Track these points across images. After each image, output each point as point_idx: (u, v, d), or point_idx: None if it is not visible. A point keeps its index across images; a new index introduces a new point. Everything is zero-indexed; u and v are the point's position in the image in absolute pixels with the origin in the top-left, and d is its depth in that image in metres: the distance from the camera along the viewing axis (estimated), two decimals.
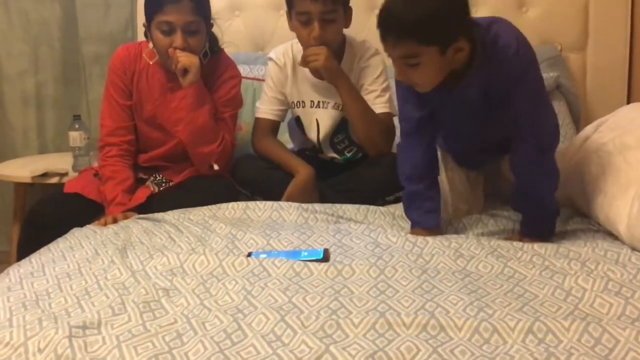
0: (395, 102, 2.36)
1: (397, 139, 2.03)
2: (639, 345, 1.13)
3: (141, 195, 2.13)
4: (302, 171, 2.20)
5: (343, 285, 1.41)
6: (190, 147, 2.18)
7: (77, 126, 2.75)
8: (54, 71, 3.21)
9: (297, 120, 2.40)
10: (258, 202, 2.01)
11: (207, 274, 1.48)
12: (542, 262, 1.52)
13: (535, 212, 1.78)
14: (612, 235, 1.72)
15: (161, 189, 2.22)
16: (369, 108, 2.23)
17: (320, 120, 2.34)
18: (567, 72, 2.85)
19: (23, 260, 1.64)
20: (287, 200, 2.11)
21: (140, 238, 1.76)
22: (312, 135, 2.37)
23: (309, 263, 1.51)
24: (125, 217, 1.99)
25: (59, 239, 1.79)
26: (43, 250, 1.71)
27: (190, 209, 1.98)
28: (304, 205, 1.99)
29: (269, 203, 2.01)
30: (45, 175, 2.68)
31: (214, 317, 1.27)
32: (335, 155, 2.40)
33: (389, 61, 2.41)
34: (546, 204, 1.79)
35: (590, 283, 1.36)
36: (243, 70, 2.49)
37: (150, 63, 2.22)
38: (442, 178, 2.00)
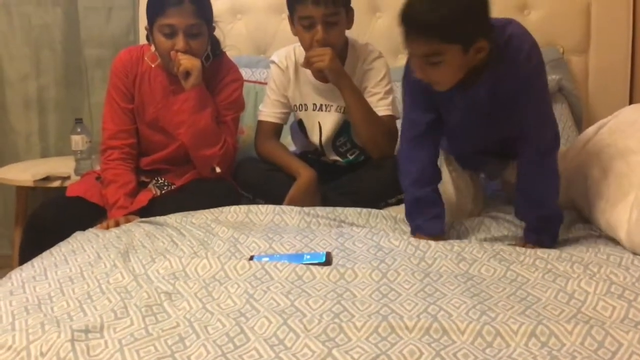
0: (399, 105, 2.38)
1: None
2: None
3: (143, 198, 2.13)
4: (304, 174, 2.20)
5: (345, 289, 1.41)
6: (192, 150, 2.18)
7: (79, 130, 2.75)
8: (56, 75, 3.21)
9: (300, 123, 2.40)
10: (260, 206, 2.01)
11: (210, 277, 1.48)
12: (545, 265, 1.52)
13: (539, 217, 1.78)
14: (614, 241, 1.71)
15: (163, 192, 2.22)
16: (372, 111, 2.24)
17: (322, 123, 2.34)
18: (569, 74, 2.85)
19: (25, 264, 1.64)
20: (289, 203, 2.11)
21: (143, 242, 1.75)
22: (315, 138, 2.37)
23: (311, 266, 1.51)
24: (128, 221, 1.99)
25: (61, 243, 1.79)
26: (45, 254, 1.71)
27: (192, 212, 1.98)
28: (306, 209, 1.99)
29: (271, 207, 2.01)
30: (47, 179, 2.68)
31: (216, 321, 1.27)
32: (337, 158, 2.40)
33: (391, 64, 2.44)
34: (549, 208, 1.79)
35: (593, 286, 1.36)
36: (245, 73, 2.49)
37: (153, 66, 2.22)
38: (446, 178, 2.00)
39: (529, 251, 1.61)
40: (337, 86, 2.23)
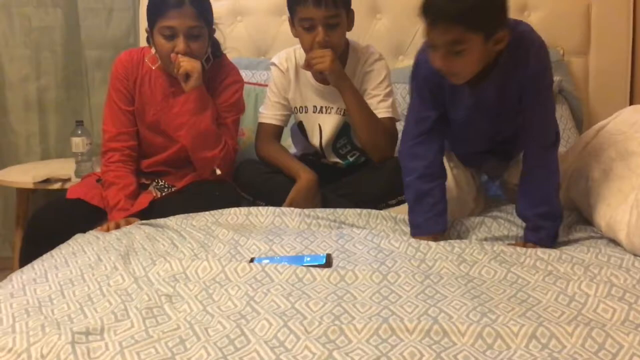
0: (399, 107, 2.39)
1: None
2: None
3: (144, 200, 2.13)
4: (304, 176, 2.20)
5: (346, 291, 1.41)
6: (192, 152, 2.18)
7: (79, 132, 2.76)
8: (56, 76, 3.21)
9: (300, 126, 2.41)
10: (260, 208, 2.01)
11: (210, 279, 1.48)
12: (546, 267, 1.52)
13: (540, 215, 1.78)
14: (615, 242, 1.71)
15: (163, 194, 2.22)
16: (373, 113, 2.24)
17: (323, 125, 2.34)
18: (570, 76, 2.85)
19: (26, 267, 1.64)
20: (290, 205, 2.11)
21: (143, 244, 1.75)
22: (315, 140, 2.37)
23: (311, 268, 1.51)
24: (128, 223, 1.99)
25: (62, 245, 1.79)
26: (46, 256, 1.71)
27: (192, 215, 1.98)
28: (306, 211, 1.99)
29: (271, 209, 2.01)
30: (47, 181, 2.68)
31: (217, 323, 1.27)
32: (338, 160, 2.40)
33: (392, 65, 2.44)
34: (550, 204, 1.79)
35: (594, 288, 1.36)
36: (245, 75, 2.49)
37: (153, 68, 2.22)
38: (448, 176, 2.01)
39: (530, 252, 1.61)
40: (338, 88, 2.23)
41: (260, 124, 2.40)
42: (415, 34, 2.96)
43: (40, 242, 1.89)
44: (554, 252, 1.60)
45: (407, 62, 2.98)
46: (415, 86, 1.90)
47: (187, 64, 2.09)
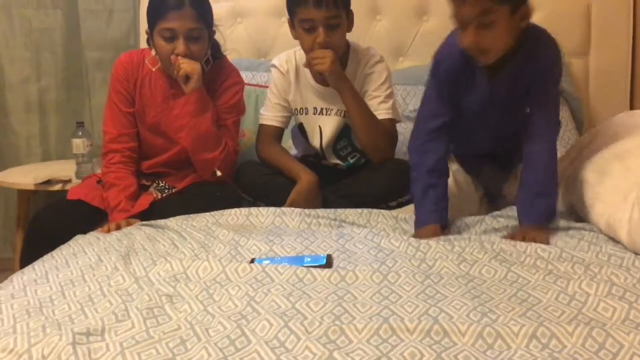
0: (399, 109, 2.39)
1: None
2: None
3: (144, 201, 2.14)
4: (305, 178, 2.20)
5: (346, 291, 1.41)
6: (193, 154, 2.18)
7: (80, 133, 2.76)
8: (57, 78, 3.22)
9: (300, 127, 2.41)
10: (261, 208, 2.01)
11: (211, 280, 1.48)
12: (546, 266, 1.52)
13: (534, 193, 1.83)
14: (615, 240, 1.71)
15: (164, 195, 2.22)
16: (373, 114, 2.24)
17: (323, 126, 2.34)
18: (570, 77, 2.85)
19: (27, 267, 1.64)
20: (290, 206, 2.11)
21: (144, 245, 1.76)
22: (315, 141, 2.37)
23: (312, 269, 1.51)
24: (129, 224, 1.99)
25: (62, 246, 1.79)
26: (46, 257, 1.71)
27: (193, 215, 1.98)
28: (307, 211, 1.99)
29: (272, 209, 2.01)
30: (48, 182, 2.68)
31: (217, 323, 1.27)
32: (338, 162, 2.40)
33: (391, 67, 2.44)
34: (545, 185, 1.85)
35: (594, 288, 1.36)
36: (245, 76, 2.50)
37: (153, 70, 2.23)
38: (450, 177, 2.02)
39: (530, 250, 1.61)
40: (338, 89, 2.23)
41: (261, 126, 2.40)
42: (415, 35, 2.97)
43: (41, 243, 1.89)
44: (554, 251, 1.60)
45: (407, 63, 2.99)
46: (434, 84, 1.93)
47: (187, 65, 2.09)
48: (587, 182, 1.87)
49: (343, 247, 1.70)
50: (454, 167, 2.09)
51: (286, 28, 2.34)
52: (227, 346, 1.19)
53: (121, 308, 1.34)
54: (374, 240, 1.72)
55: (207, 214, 1.99)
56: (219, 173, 2.18)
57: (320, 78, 2.30)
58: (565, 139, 2.62)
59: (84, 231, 1.93)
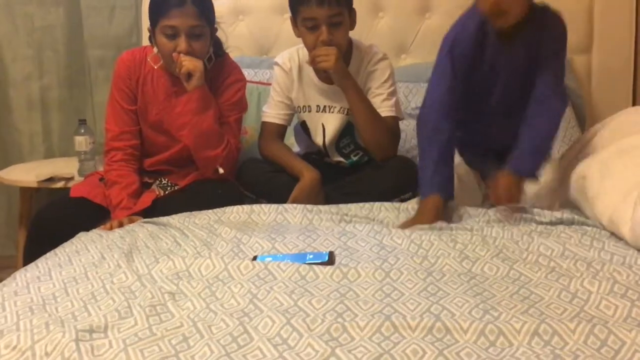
0: (401, 106, 2.39)
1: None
2: None
3: (146, 199, 2.14)
4: (307, 175, 2.20)
5: (348, 289, 1.41)
6: (195, 151, 2.18)
7: (82, 131, 2.76)
8: (59, 75, 3.22)
9: (303, 125, 2.41)
10: (263, 206, 2.01)
11: (213, 277, 1.49)
12: (548, 263, 1.52)
13: (524, 148, 1.90)
14: (617, 237, 1.71)
15: (166, 192, 2.22)
16: (376, 112, 2.24)
17: (326, 124, 2.34)
18: (572, 74, 2.85)
19: (30, 265, 1.65)
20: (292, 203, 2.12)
21: (146, 242, 1.76)
22: (318, 139, 2.37)
23: (314, 266, 1.51)
24: (131, 221, 1.99)
25: (65, 243, 1.80)
26: (49, 254, 1.71)
27: (195, 213, 1.98)
28: (308, 206, 1.99)
29: (274, 206, 2.01)
30: (51, 179, 2.69)
31: (220, 321, 1.27)
32: (341, 159, 2.40)
33: (394, 64, 2.44)
34: (538, 143, 1.93)
35: (596, 286, 1.36)
36: (247, 74, 2.50)
37: (155, 67, 2.23)
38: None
39: (532, 248, 1.61)
40: (341, 87, 2.23)
41: (264, 123, 2.40)
42: (418, 32, 2.97)
43: (43, 241, 1.89)
44: (556, 248, 1.60)
45: (409, 60, 2.98)
46: (448, 59, 1.98)
47: (189, 63, 2.09)
48: (591, 178, 1.87)
49: (345, 244, 1.70)
50: (457, 161, 2.09)
51: (288, 25, 2.34)
52: (229, 343, 1.19)
53: (124, 305, 1.34)
54: (376, 237, 1.72)
55: (210, 211, 1.99)
56: (221, 170, 2.18)
57: (323, 76, 2.30)
58: (568, 136, 2.61)
59: (87, 229, 1.93)
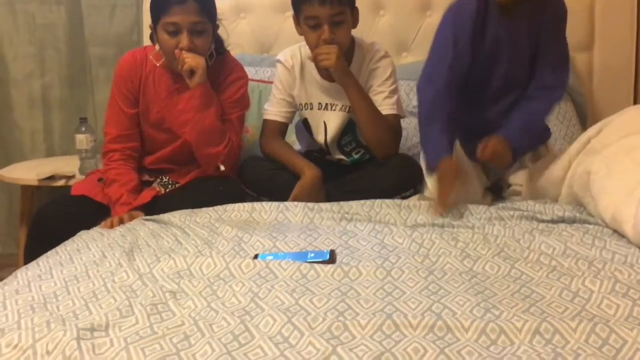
0: (403, 104, 2.39)
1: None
2: None
3: (147, 195, 2.14)
4: (308, 173, 2.20)
5: (350, 287, 1.41)
6: (196, 148, 2.18)
7: (83, 129, 2.76)
8: (60, 73, 3.22)
9: (305, 122, 2.41)
10: (264, 204, 2.01)
11: (214, 276, 1.49)
12: (549, 262, 1.52)
13: (521, 128, 2.03)
14: (619, 234, 1.71)
15: (167, 190, 2.22)
16: (377, 110, 2.24)
17: (328, 122, 2.34)
18: (574, 72, 2.84)
19: (31, 263, 1.65)
20: (293, 201, 2.11)
21: (147, 241, 1.76)
22: (320, 137, 2.37)
23: (315, 265, 1.51)
24: (132, 217, 1.99)
25: (67, 242, 1.80)
26: (51, 253, 1.71)
27: (196, 211, 1.98)
28: (309, 205, 1.99)
29: (275, 204, 2.01)
30: (52, 178, 2.69)
31: (221, 319, 1.27)
32: (342, 157, 2.40)
33: (395, 62, 2.44)
34: (537, 123, 2.10)
35: (598, 284, 1.36)
36: (248, 72, 2.49)
37: (157, 65, 2.22)
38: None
39: (534, 246, 1.61)
40: (342, 85, 2.23)
41: (265, 121, 2.40)
42: (419, 30, 2.97)
43: (44, 239, 1.89)
44: (558, 247, 1.60)
45: (410, 58, 2.98)
46: (451, 34, 2.01)
47: (191, 60, 2.09)
48: (595, 174, 1.86)
49: (346, 243, 1.71)
50: (458, 153, 2.10)
51: (289, 23, 2.34)
52: (230, 341, 1.19)
53: (125, 304, 1.34)
54: (377, 237, 1.72)
55: (211, 209, 1.99)
56: (222, 168, 2.18)
57: (325, 73, 2.30)
58: (569, 134, 2.61)
59: (87, 227, 1.93)
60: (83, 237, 1.82)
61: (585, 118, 2.81)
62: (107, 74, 3.16)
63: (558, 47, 2.07)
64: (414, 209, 1.94)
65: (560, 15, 2.06)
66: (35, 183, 2.71)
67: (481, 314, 1.26)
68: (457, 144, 2.11)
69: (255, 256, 1.62)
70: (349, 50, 2.28)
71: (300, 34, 2.25)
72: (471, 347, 1.15)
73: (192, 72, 2.11)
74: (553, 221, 1.81)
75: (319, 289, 1.40)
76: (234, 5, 3.05)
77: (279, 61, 2.40)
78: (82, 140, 2.74)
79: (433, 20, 2.94)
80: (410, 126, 2.61)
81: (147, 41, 2.45)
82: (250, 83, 2.41)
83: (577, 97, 2.80)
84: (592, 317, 1.24)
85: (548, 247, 1.60)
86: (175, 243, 1.75)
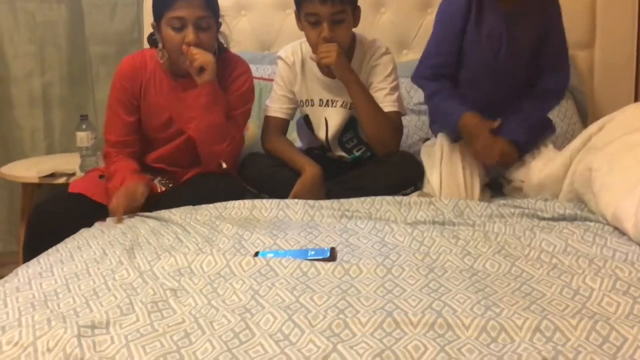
0: (404, 102, 2.40)
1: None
2: None
3: (154, 186, 2.14)
4: (309, 170, 2.20)
5: (350, 285, 1.41)
6: (200, 146, 2.17)
7: (84, 126, 2.77)
8: (61, 71, 3.22)
9: (306, 119, 2.41)
10: (264, 201, 2.01)
11: (215, 274, 1.49)
12: (550, 259, 1.52)
13: (523, 124, 2.10)
14: (620, 232, 1.70)
15: (168, 188, 2.22)
16: (378, 106, 2.24)
17: (329, 118, 2.34)
18: (575, 70, 2.83)
19: (31, 261, 1.65)
20: (294, 198, 2.11)
21: (148, 238, 1.76)
22: (321, 134, 2.37)
23: (316, 262, 1.51)
24: (133, 210, 1.99)
25: (67, 239, 1.80)
26: (51, 250, 1.72)
27: (196, 208, 1.98)
28: (310, 202, 1.99)
29: (275, 202, 2.01)
30: (52, 175, 2.69)
31: (221, 317, 1.27)
32: (343, 154, 2.40)
33: (396, 59, 2.44)
34: (532, 131, 2.14)
35: (598, 282, 1.36)
36: None
37: (161, 62, 2.20)
38: (457, 162, 2.13)
39: (534, 244, 1.61)
40: (343, 82, 2.23)
41: (267, 117, 2.40)
42: (419, 28, 2.97)
43: (43, 235, 1.89)
44: (558, 244, 1.60)
45: (411, 56, 2.98)
46: (449, 21, 2.14)
47: (202, 57, 2.07)
48: (596, 171, 1.86)
49: (347, 241, 1.71)
50: (453, 146, 2.13)
51: (290, 21, 2.34)
52: (231, 339, 1.19)
53: (126, 302, 1.34)
54: (378, 235, 1.72)
55: (211, 206, 1.99)
56: (224, 165, 2.18)
57: (326, 70, 2.30)
58: (570, 132, 2.61)
59: (86, 223, 1.93)
60: (84, 235, 1.82)
61: (586, 116, 2.81)
62: (107, 71, 3.17)
63: (560, 43, 2.15)
64: (415, 206, 1.94)
65: (558, 16, 2.14)
66: (36, 181, 2.71)
67: (482, 311, 1.26)
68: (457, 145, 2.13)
69: (256, 254, 1.62)
70: (350, 47, 2.28)
71: (301, 29, 2.25)
72: (472, 345, 1.15)
73: (201, 69, 2.10)
74: (554, 219, 1.81)
75: (319, 287, 1.40)
76: (235, 2, 3.06)
77: (280, 57, 2.40)
78: (83, 137, 2.75)
79: (434, 17, 2.94)
80: (410, 124, 2.61)
81: (147, 42, 2.44)
82: None
83: (578, 94, 2.79)
84: (592, 315, 1.24)
85: (549, 244, 1.60)
86: (176, 241, 1.75)
